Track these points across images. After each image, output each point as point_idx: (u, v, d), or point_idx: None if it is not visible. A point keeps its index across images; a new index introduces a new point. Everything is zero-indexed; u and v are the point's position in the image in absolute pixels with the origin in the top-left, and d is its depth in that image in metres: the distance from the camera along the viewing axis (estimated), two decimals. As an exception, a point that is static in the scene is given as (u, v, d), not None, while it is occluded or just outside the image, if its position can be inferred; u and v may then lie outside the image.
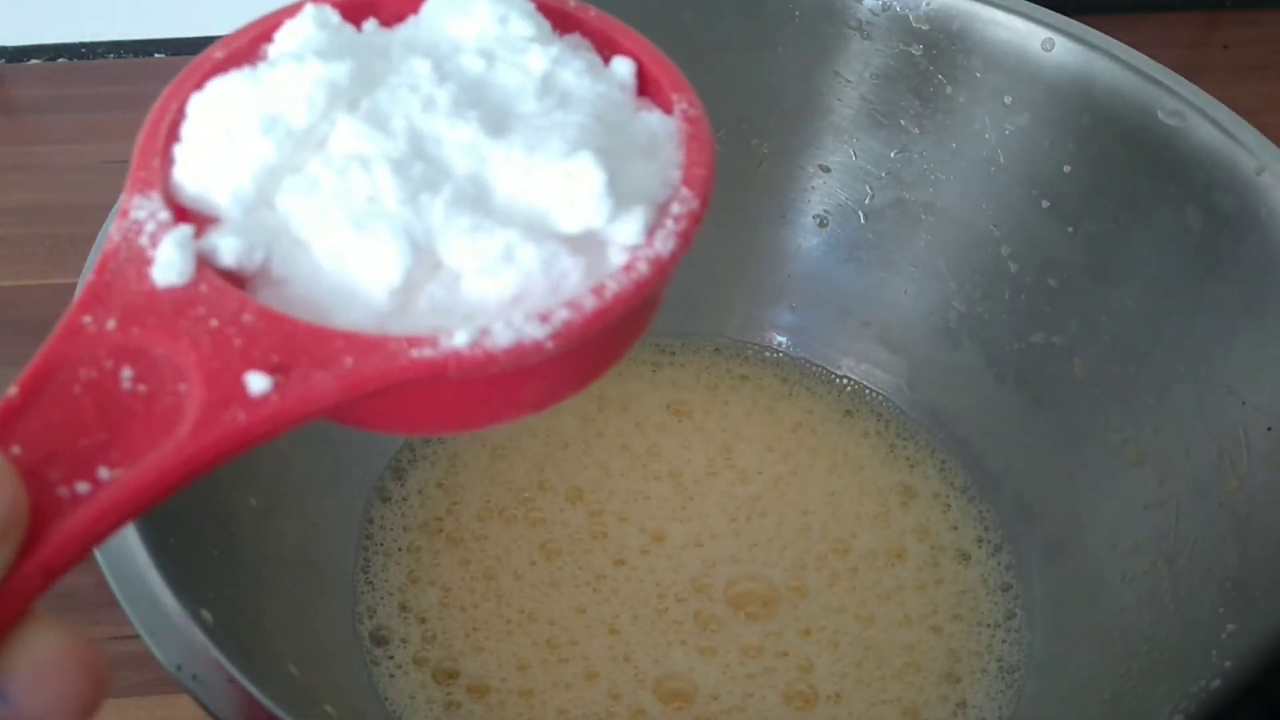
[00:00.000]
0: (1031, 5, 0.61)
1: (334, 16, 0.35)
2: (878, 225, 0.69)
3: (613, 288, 0.30)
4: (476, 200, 0.31)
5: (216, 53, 0.34)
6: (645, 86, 0.35)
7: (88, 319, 0.30)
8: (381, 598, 0.62)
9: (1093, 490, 0.62)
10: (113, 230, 0.31)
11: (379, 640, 0.60)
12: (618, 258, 0.31)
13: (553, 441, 0.68)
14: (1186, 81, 0.58)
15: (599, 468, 0.67)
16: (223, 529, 0.53)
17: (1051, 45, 0.60)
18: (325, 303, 0.30)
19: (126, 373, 0.29)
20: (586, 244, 0.31)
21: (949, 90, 0.64)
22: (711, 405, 0.70)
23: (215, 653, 0.42)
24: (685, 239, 0.31)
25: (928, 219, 0.67)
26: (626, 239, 0.31)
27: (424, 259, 0.30)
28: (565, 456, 0.67)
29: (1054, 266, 0.63)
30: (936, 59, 0.63)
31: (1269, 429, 0.54)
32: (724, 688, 0.59)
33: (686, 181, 0.32)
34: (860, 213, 0.69)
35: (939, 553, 0.65)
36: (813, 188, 0.69)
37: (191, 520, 0.49)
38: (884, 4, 0.63)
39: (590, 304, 0.30)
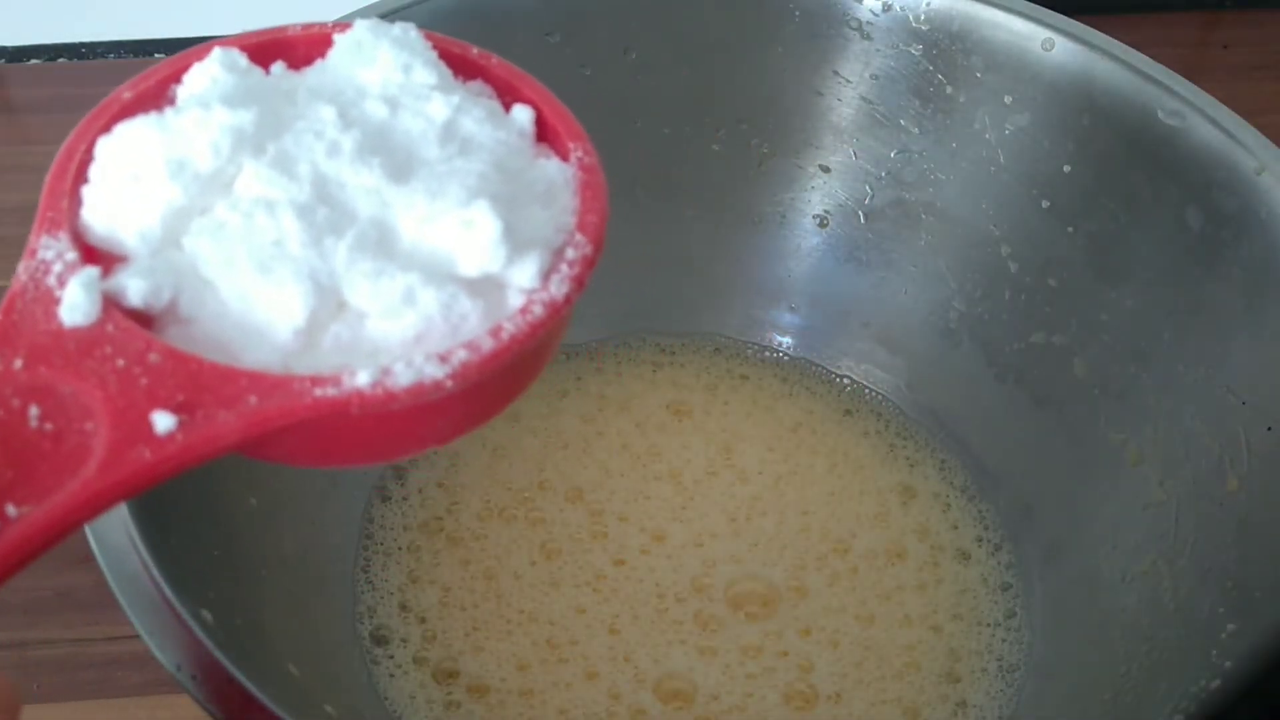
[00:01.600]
0: (1031, 5, 0.61)
1: (242, 60, 0.36)
2: (878, 225, 0.69)
3: (509, 329, 0.31)
4: (379, 244, 0.32)
5: (125, 94, 0.35)
6: (544, 134, 0.37)
7: None
8: (381, 597, 0.62)
9: (1093, 490, 0.62)
10: (20, 269, 0.31)
11: (379, 640, 0.60)
12: (515, 300, 0.32)
13: (553, 441, 0.68)
14: (1186, 81, 0.58)
15: (598, 467, 0.67)
16: (222, 529, 0.53)
17: (1051, 45, 0.60)
18: (232, 342, 0.31)
19: (34, 411, 0.30)
20: (485, 287, 0.32)
21: (949, 90, 0.64)
22: (711, 405, 0.70)
23: (215, 653, 0.42)
24: (579, 283, 0.33)
25: (928, 219, 0.67)
26: (523, 282, 0.32)
27: (328, 300, 0.31)
28: (565, 456, 0.67)
29: (1054, 266, 0.63)
30: (936, 59, 0.64)
31: (1269, 429, 0.54)
32: (724, 687, 0.59)
33: (581, 227, 0.34)
34: (860, 213, 0.69)
35: (939, 552, 0.65)
36: (813, 188, 0.69)
37: (191, 520, 0.49)
38: (884, 4, 0.63)
39: (488, 345, 0.31)
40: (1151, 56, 0.59)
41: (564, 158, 0.36)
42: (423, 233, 0.32)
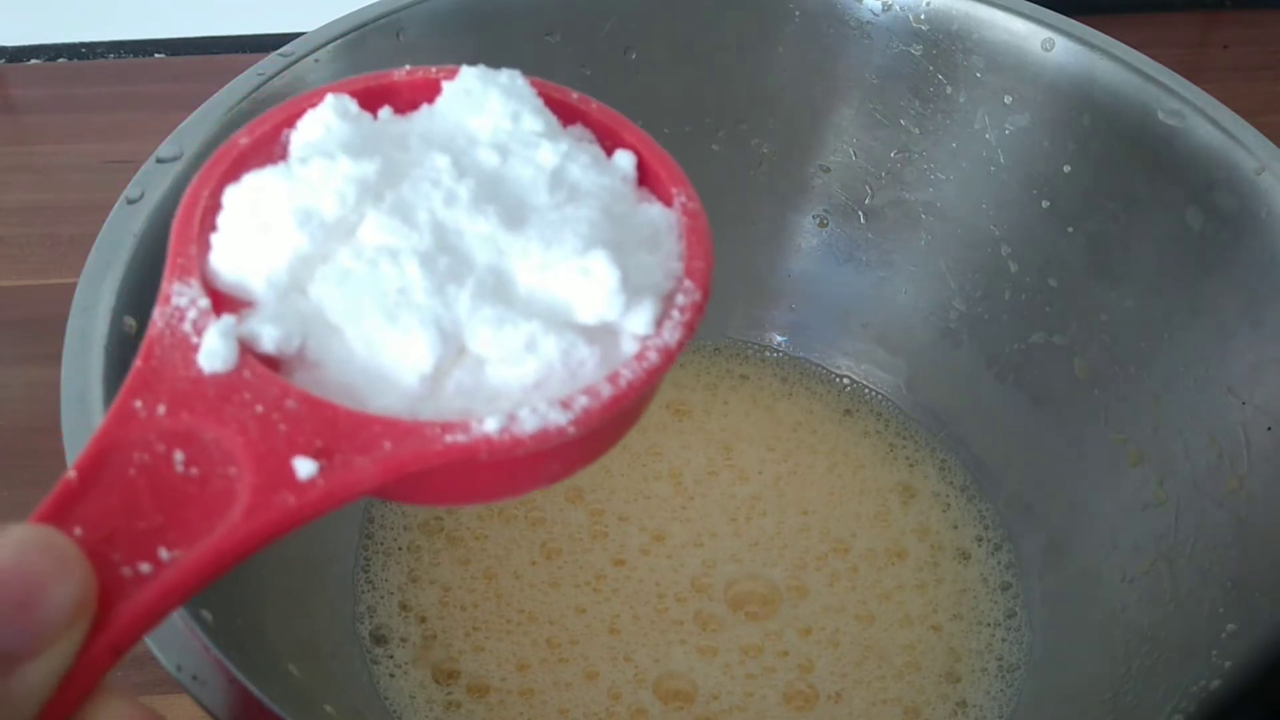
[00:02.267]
0: (1031, 5, 0.61)
1: (353, 106, 0.36)
2: (878, 225, 0.69)
3: (627, 375, 0.32)
4: (497, 291, 0.33)
5: (242, 139, 0.36)
6: (644, 178, 0.37)
7: (138, 403, 0.31)
8: (381, 597, 0.62)
9: (1093, 490, 0.62)
10: (156, 315, 0.32)
11: (379, 640, 0.60)
12: (629, 346, 0.33)
13: None
14: (1186, 81, 0.58)
15: (599, 467, 0.66)
16: None
17: (1051, 45, 0.60)
18: (359, 387, 0.32)
19: (178, 456, 0.30)
20: (600, 333, 0.33)
21: (949, 90, 0.64)
22: (711, 405, 0.70)
23: (215, 652, 0.42)
24: (690, 329, 0.33)
25: (928, 219, 0.67)
26: (637, 329, 0.33)
27: (451, 347, 0.32)
28: None
29: (1054, 266, 0.63)
30: (936, 59, 0.64)
31: (1269, 429, 0.54)
32: (724, 687, 0.59)
33: (689, 273, 0.34)
34: (860, 213, 0.69)
35: (939, 552, 0.65)
36: (812, 188, 0.70)
37: None
38: (884, 4, 0.63)
39: (607, 391, 0.32)
40: (1151, 56, 0.59)
41: (666, 202, 0.36)
42: (539, 280, 0.33)
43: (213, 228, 0.34)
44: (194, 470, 0.30)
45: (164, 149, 0.52)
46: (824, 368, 0.72)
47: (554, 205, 0.34)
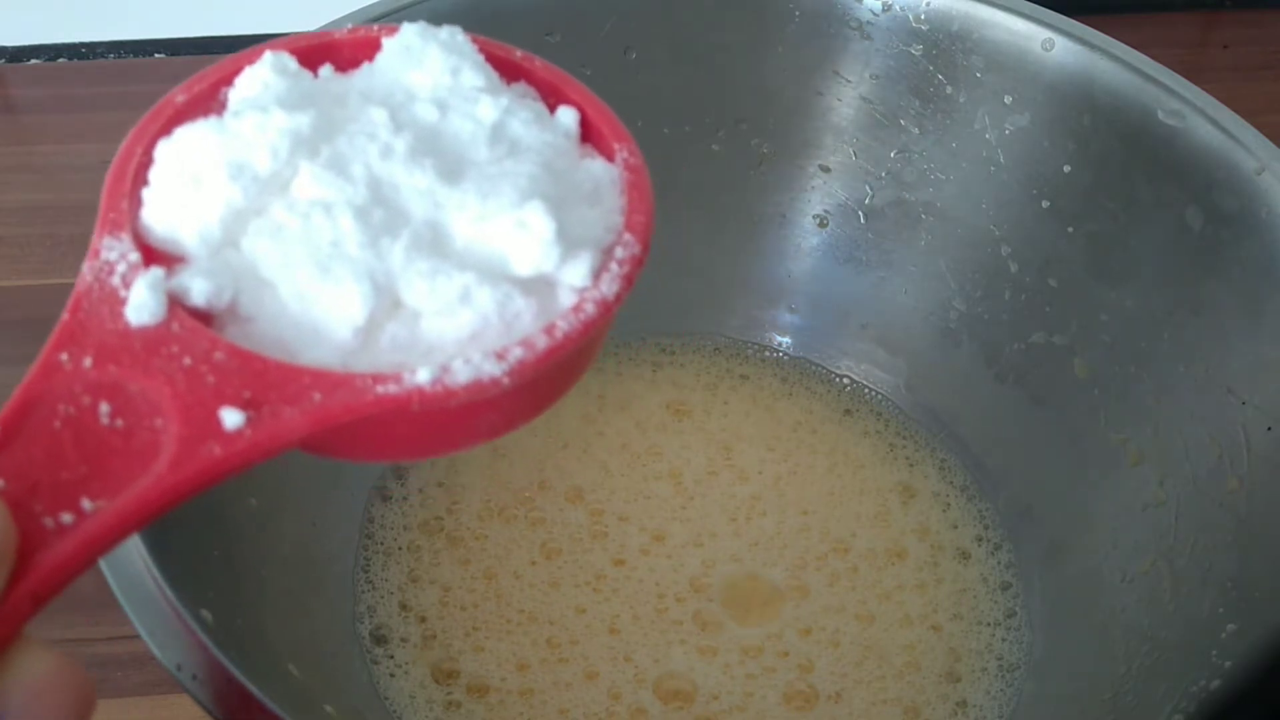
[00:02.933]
0: (1031, 5, 0.61)
1: (292, 63, 0.36)
2: (878, 225, 0.69)
3: (563, 327, 0.32)
4: (434, 244, 0.33)
5: (178, 97, 0.35)
6: (588, 135, 0.37)
7: (64, 356, 0.31)
8: (381, 597, 0.62)
9: (1093, 490, 0.62)
10: (84, 269, 0.32)
11: (379, 639, 0.60)
12: (566, 299, 0.33)
13: (553, 441, 0.68)
14: (1187, 81, 0.58)
15: (599, 467, 0.67)
16: (223, 529, 0.53)
17: (1051, 45, 0.60)
18: (291, 340, 0.32)
19: (104, 408, 0.30)
20: (537, 286, 0.33)
21: (949, 90, 0.64)
22: (711, 405, 0.70)
23: (215, 652, 0.42)
24: (629, 281, 0.34)
25: (928, 219, 0.67)
26: (574, 281, 0.33)
27: (385, 300, 0.32)
28: (565, 456, 0.67)
29: (1054, 266, 0.63)
30: (936, 59, 0.64)
31: (1269, 429, 0.54)
32: (724, 687, 0.59)
33: (629, 227, 0.34)
34: (860, 213, 0.69)
35: (939, 552, 0.65)
36: (812, 188, 0.69)
37: (192, 521, 0.48)
38: (884, 4, 0.63)
39: (543, 343, 0.32)
40: (1151, 56, 0.59)
41: (609, 158, 0.36)
42: (476, 233, 0.33)
43: (145, 183, 0.34)
44: (119, 422, 0.30)
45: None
46: (824, 368, 0.71)
47: (493, 160, 0.34)
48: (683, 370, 0.71)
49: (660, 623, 0.61)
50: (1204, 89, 0.57)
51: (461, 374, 0.31)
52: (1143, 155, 0.58)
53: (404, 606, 0.61)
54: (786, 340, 0.72)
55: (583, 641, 0.60)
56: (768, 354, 0.72)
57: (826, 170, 0.69)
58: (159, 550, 0.44)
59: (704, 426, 0.69)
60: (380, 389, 0.30)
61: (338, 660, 0.58)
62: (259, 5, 0.85)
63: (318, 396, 0.30)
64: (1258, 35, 0.92)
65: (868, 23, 0.64)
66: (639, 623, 0.61)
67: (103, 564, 0.43)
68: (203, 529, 0.51)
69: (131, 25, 0.91)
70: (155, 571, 0.44)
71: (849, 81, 0.66)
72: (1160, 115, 0.57)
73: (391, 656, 0.60)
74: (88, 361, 0.31)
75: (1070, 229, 0.62)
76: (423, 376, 0.31)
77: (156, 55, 0.90)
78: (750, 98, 0.67)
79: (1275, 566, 0.51)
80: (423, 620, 0.61)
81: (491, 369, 0.31)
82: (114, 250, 0.32)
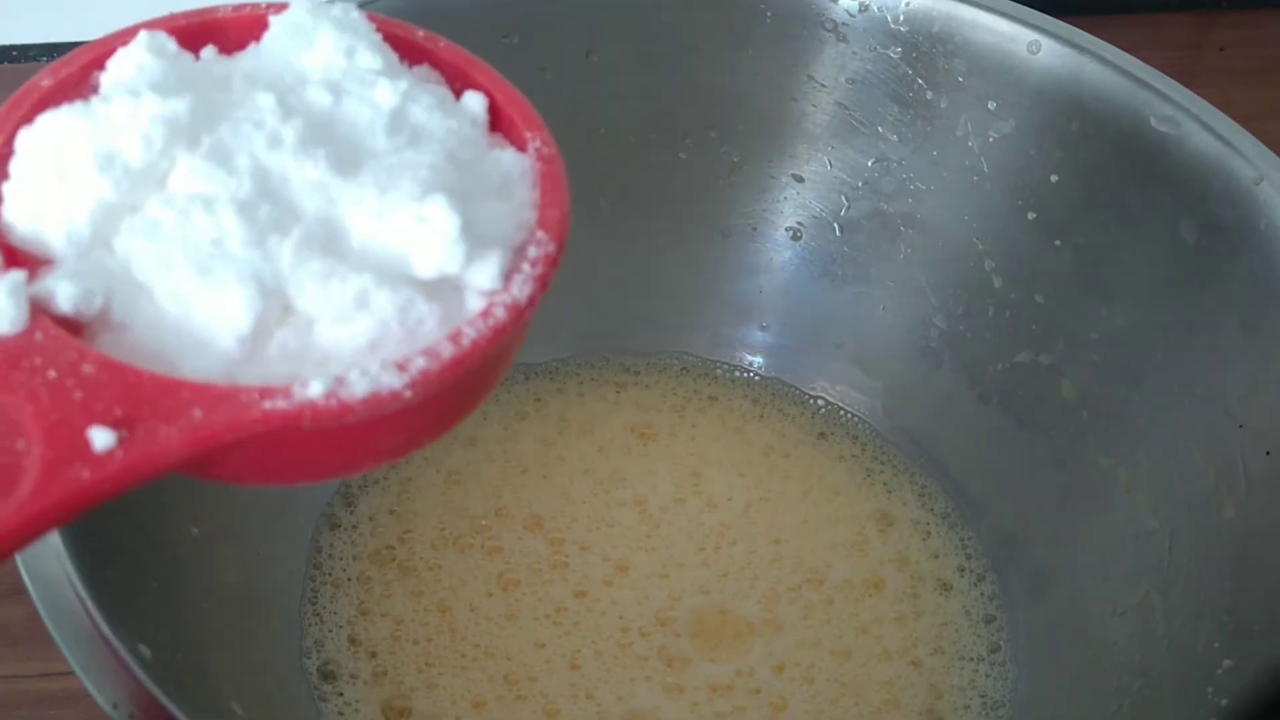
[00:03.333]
0: (1017, 6, 0.61)
1: (170, 44, 0.35)
2: (854, 238, 0.68)
3: (470, 334, 0.31)
4: (328, 243, 0.31)
5: (44, 81, 0.34)
6: (497, 122, 0.36)
7: None
8: (330, 630, 0.61)
9: (1081, 519, 0.62)
10: None
11: (327, 676, 0.59)
12: (474, 303, 0.32)
13: (511, 466, 0.68)
14: (1180, 86, 0.58)
15: (559, 494, 0.67)
16: (162, 559, 0.53)
17: (1038, 48, 0.60)
18: (170, 350, 0.30)
19: None
20: (442, 289, 0.32)
21: (929, 95, 0.64)
22: (678, 428, 0.70)
23: (154, 690, 0.41)
24: (543, 283, 0.32)
25: (907, 231, 0.67)
26: (483, 284, 0.31)
27: (274, 304, 0.30)
28: (524, 482, 0.67)
29: (1041, 281, 0.63)
30: (916, 62, 0.63)
31: (1268, 453, 0.53)
32: (692, 727, 0.59)
33: (542, 224, 0.33)
34: (836, 225, 0.69)
35: (919, 583, 0.65)
36: (785, 198, 0.69)
37: (129, 550, 0.49)
38: (861, 5, 0.63)
39: (448, 352, 0.30)
40: (1144, 59, 0.59)
41: (520, 148, 0.35)
42: (374, 231, 0.31)
43: (5, 176, 0.32)
44: None
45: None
46: (797, 389, 0.71)
47: (393, 150, 0.33)
48: (648, 391, 0.71)
49: (624, 658, 0.61)
50: (1199, 94, 0.57)
51: (358, 387, 0.29)
52: (1134, 164, 0.58)
53: (353, 641, 0.61)
54: (758, 360, 0.72)
55: (541, 678, 0.60)
56: (738, 374, 0.72)
57: (800, 180, 0.68)
58: (93, 581, 0.43)
59: (670, 450, 0.69)
60: (268, 404, 0.28)
61: (284, 697, 0.58)
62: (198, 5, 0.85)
63: (198, 413, 0.28)
64: (1255, 37, 0.93)
65: (843, 24, 0.64)
66: (601, 658, 0.60)
67: (35, 596, 0.43)
68: (141, 559, 0.50)
69: (66, 27, 0.91)
70: (89, 604, 0.42)
71: (824, 86, 0.65)
72: (1153, 122, 0.57)
73: (340, 694, 0.59)
74: None
75: (1057, 242, 0.62)
76: (315, 390, 0.29)
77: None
78: (719, 103, 0.67)
79: (1274, 598, 0.51)
80: (373, 655, 0.60)
81: (391, 381, 0.29)
82: None
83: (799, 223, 0.69)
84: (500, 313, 0.31)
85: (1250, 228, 0.54)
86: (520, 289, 0.31)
